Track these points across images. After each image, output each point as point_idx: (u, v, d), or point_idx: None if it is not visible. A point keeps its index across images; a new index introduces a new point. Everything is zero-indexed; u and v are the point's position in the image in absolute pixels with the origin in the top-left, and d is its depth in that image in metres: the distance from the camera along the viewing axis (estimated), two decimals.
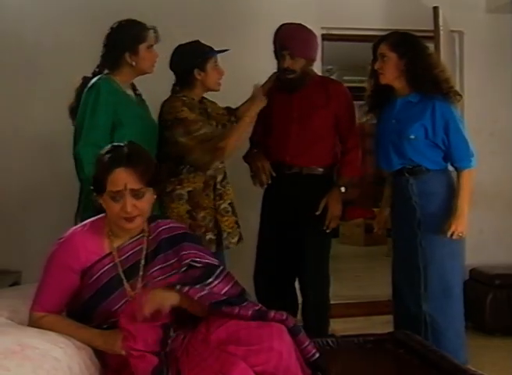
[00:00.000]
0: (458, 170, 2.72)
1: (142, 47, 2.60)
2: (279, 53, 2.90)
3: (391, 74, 2.70)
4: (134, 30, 2.62)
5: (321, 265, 2.98)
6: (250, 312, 1.76)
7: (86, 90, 2.57)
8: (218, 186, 2.82)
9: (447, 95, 2.69)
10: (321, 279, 2.98)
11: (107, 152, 1.89)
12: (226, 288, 1.87)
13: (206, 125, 2.72)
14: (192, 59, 2.78)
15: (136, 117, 2.63)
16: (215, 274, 1.88)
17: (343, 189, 2.96)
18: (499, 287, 3.88)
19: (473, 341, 3.64)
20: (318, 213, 2.87)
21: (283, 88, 2.93)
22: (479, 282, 4.01)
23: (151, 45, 2.64)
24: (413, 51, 2.68)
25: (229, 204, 2.84)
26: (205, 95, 2.91)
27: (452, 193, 2.72)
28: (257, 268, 3.02)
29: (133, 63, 2.61)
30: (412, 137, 2.66)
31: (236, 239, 2.83)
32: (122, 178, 1.81)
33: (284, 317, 1.77)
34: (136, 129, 2.49)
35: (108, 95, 2.54)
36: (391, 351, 2.27)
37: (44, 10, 3.67)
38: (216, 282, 1.87)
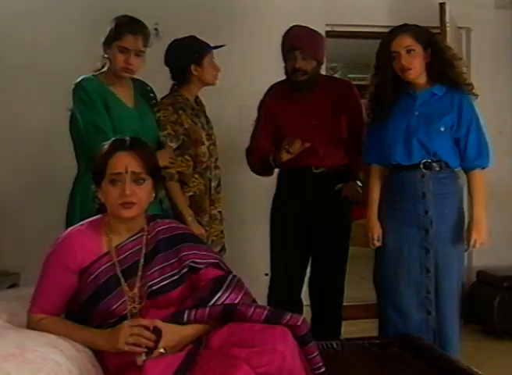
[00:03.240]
0: (470, 170, 2.64)
1: (114, 45, 2.53)
2: (288, 54, 2.85)
3: (420, 68, 2.59)
4: (115, 25, 2.55)
5: (345, 264, 3.03)
6: (265, 313, 1.75)
7: (72, 89, 2.54)
8: (213, 191, 2.83)
9: (470, 90, 2.65)
10: (344, 279, 3.02)
11: (108, 143, 1.91)
12: (239, 298, 1.85)
13: (174, 138, 2.70)
14: (189, 55, 2.77)
15: (122, 121, 2.56)
16: (224, 287, 1.86)
17: (359, 183, 2.99)
18: (507, 290, 3.88)
19: (481, 344, 3.65)
20: (337, 188, 2.94)
21: (291, 96, 2.89)
22: (487, 284, 4.01)
23: (125, 48, 2.52)
24: (436, 43, 2.62)
25: (219, 212, 2.85)
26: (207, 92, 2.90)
27: (462, 196, 2.69)
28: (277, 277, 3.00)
29: (106, 55, 2.56)
30: (442, 129, 2.58)
31: (218, 248, 2.80)
32: (124, 161, 1.83)
33: (299, 323, 1.76)
34: (118, 133, 2.33)
35: (94, 91, 2.52)
36: (397, 354, 2.27)
37: (42, 7, 3.67)
38: (227, 294, 1.84)
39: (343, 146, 2.97)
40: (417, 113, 2.62)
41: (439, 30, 3.59)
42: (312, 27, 2.98)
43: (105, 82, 2.58)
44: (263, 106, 3.04)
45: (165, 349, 1.70)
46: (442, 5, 3.61)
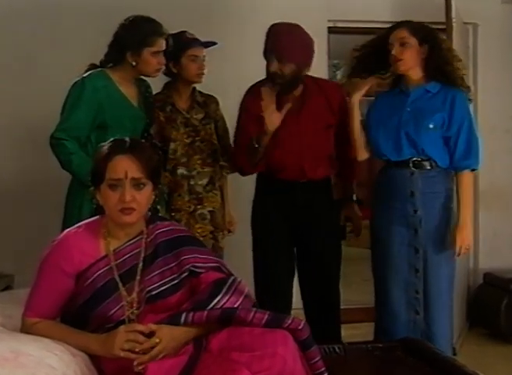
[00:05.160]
0: (459, 171, 2.65)
1: (147, 51, 2.58)
2: (266, 56, 2.72)
3: (411, 61, 2.64)
4: (144, 31, 2.59)
5: (340, 267, 2.96)
6: (265, 317, 1.75)
7: (73, 83, 2.59)
8: (199, 189, 2.83)
9: (465, 90, 2.68)
10: (338, 279, 2.97)
11: (107, 143, 1.90)
12: (239, 301, 1.84)
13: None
14: (168, 52, 2.77)
15: (126, 118, 2.62)
16: (224, 290, 1.85)
17: (354, 197, 3.01)
18: None
19: (488, 348, 3.64)
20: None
21: (276, 100, 2.72)
22: (493, 286, 4.00)
23: (158, 52, 2.60)
24: (434, 39, 2.65)
25: (210, 211, 2.85)
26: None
27: (452, 196, 2.70)
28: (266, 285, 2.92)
29: (133, 63, 2.60)
30: (431, 126, 2.62)
31: None
32: (123, 165, 1.81)
33: (300, 327, 1.76)
34: (123, 131, 2.39)
35: (93, 93, 2.55)
36: (401, 358, 2.27)
37: (39, 6, 3.67)
38: (226, 297, 1.83)
39: (330, 158, 2.90)
40: (408, 109, 2.67)
41: (444, 26, 3.57)
42: (313, 22, 2.95)
43: (115, 79, 2.63)
44: (244, 108, 2.84)
45: (160, 339, 1.71)
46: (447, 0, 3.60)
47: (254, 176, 2.94)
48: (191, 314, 1.77)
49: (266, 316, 1.76)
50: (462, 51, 3.78)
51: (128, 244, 1.90)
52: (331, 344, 2.30)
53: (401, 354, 2.29)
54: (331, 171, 2.95)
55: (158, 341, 1.71)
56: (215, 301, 1.81)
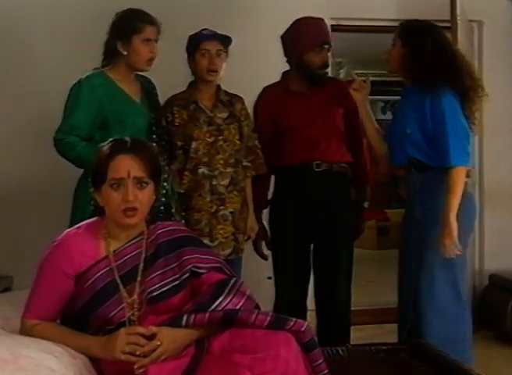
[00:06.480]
0: (447, 169, 2.58)
1: (136, 38, 2.60)
2: (316, 48, 2.86)
3: (394, 61, 2.70)
4: (132, 19, 2.62)
5: (351, 266, 3.02)
6: (268, 319, 1.75)
7: (72, 85, 2.62)
8: (222, 190, 2.81)
9: (455, 87, 2.62)
10: (350, 280, 3.02)
11: (108, 143, 1.91)
12: (241, 303, 1.84)
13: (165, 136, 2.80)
14: (186, 49, 2.80)
15: (128, 114, 2.64)
16: (226, 292, 1.85)
17: (366, 205, 3.08)
18: None
19: (494, 350, 3.64)
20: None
21: (291, 94, 2.93)
22: (499, 288, 4.00)
23: (148, 39, 2.62)
24: (418, 40, 2.63)
25: (231, 212, 2.82)
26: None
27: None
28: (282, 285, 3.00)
29: (124, 52, 2.62)
30: (408, 131, 2.63)
31: (227, 251, 2.78)
32: (126, 165, 1.82)
33: (303, 329, 1.76)
34: (126, 128, 2.46)
35: (91, 92, 2.58)
36: (405, 361, 2.27)
37: (38, 4, 3.67)
38: (228, 299, 1.83)
39: (343, 142, 2.95)
40: (399, 115, 2.76)
41: (449, 24, 3.58)
42: None
43: (113, 77, 2.65)
44: (259, 111, 3.01)
45: (161, 342, 1.71)
46: None
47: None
48: (193, 316, 1.78)
49: (268, 318, 1.76)
50: (467, 49, 3.78)
51: (128, 244, 1.91)
52: (334, 346, 2.30)
53: (405, 356, 2.29)
54: (347, 157, 2.96)
55: (159, 343, 1.71)
56: (217, 302, 1.81)
